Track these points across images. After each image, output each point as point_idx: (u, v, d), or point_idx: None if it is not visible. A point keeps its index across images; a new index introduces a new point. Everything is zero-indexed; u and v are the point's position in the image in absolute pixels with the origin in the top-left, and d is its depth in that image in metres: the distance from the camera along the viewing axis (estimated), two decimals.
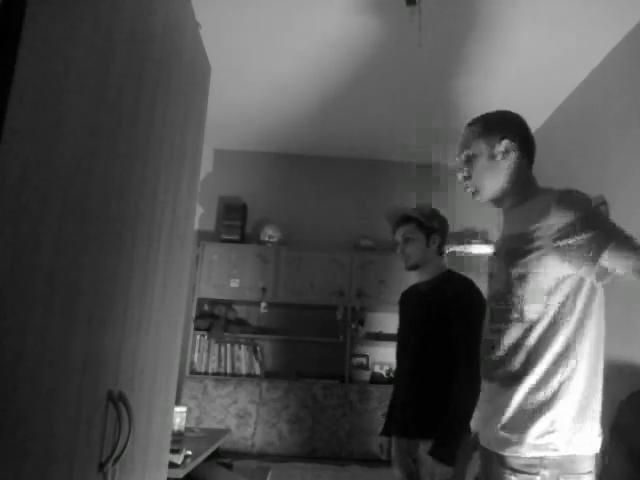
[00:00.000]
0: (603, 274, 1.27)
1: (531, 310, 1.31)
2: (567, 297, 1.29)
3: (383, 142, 4.35)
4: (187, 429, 2.42)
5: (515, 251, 1.36)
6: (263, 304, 4.10)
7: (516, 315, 1.33)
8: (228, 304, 4.28)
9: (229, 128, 4.25)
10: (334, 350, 4.22)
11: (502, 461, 1.30)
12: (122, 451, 1.02)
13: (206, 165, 4.55)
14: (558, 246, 1.28)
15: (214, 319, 4.18)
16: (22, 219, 0.70)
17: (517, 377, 1.31)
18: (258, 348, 4.24)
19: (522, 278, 1.32)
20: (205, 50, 1.65)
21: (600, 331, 1.33)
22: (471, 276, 2.25)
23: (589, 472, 1.26)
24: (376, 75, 3.33)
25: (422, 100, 3.59)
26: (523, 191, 1.47)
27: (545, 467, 1.24)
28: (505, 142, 1.47)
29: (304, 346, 4.30)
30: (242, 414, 3.84)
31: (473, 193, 1.53)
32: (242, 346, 4.20)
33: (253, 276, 4.15)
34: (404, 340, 2.32)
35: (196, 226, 4.36)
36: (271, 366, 4.31)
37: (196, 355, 4.15)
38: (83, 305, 0.88)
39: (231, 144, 4.59)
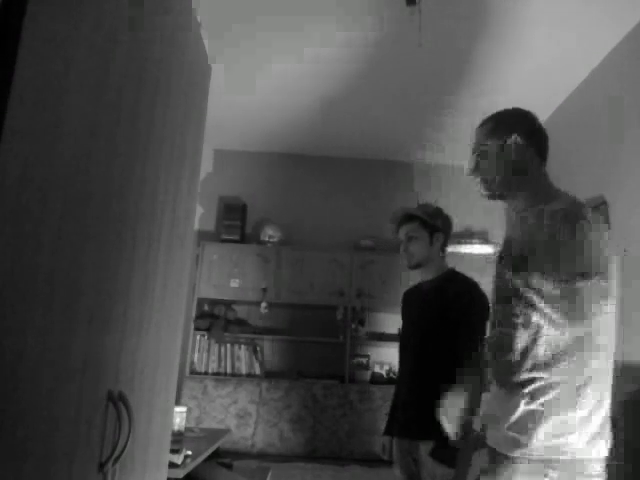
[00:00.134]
0: None
1: (537, 316, 1.30)
2: (575, 303, 1.28)
3: (383, 142, 4.35)
4: (187, 429, 2.41)
5: (520, 259, 1.36)
6: (263, 304, 4.10)
7: (520, 320, 1.32)
8: (228, 304, 4.28)
9: (229, 128, 4.25)
10: (334, 350, 4.22)
11: (510, 462, 1.29)
12: (122, 451, 1.02)
13: (206, 165, 4.55)
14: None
15: (214, 319, 4.18)
16: (22, 219, 0.70)
17: (526, 380, 1.30)
18: (258, 348, 4.24)
19: (527, 285, 1.32)
20: (205, 50, 1.65)
21: (610, 336, 1.32)
22: (472, 276, 2.24)
23: (598, 475, 1.25)
24: (376, 75, 3.33)
25: (422, 100, 3.59)
26: (536, 193, 1.47)
27: (554, 469, 1.23)
28: (514, 137, 1.49)
29: (304, 346, 4.30)
30: (242, 414, 3.84)
31: (485, 191, 1.53)
32: (242, 346, 4.20)
33: (253, 276, 4.15)
34: (405, 340, 2.32)
35: (196, 226, 4.35)
36: (271, 366, 4.31)
37: (196, 355, 4.15)
38: (83, 305, 0.88)
39: (231, 144, 4.59)
